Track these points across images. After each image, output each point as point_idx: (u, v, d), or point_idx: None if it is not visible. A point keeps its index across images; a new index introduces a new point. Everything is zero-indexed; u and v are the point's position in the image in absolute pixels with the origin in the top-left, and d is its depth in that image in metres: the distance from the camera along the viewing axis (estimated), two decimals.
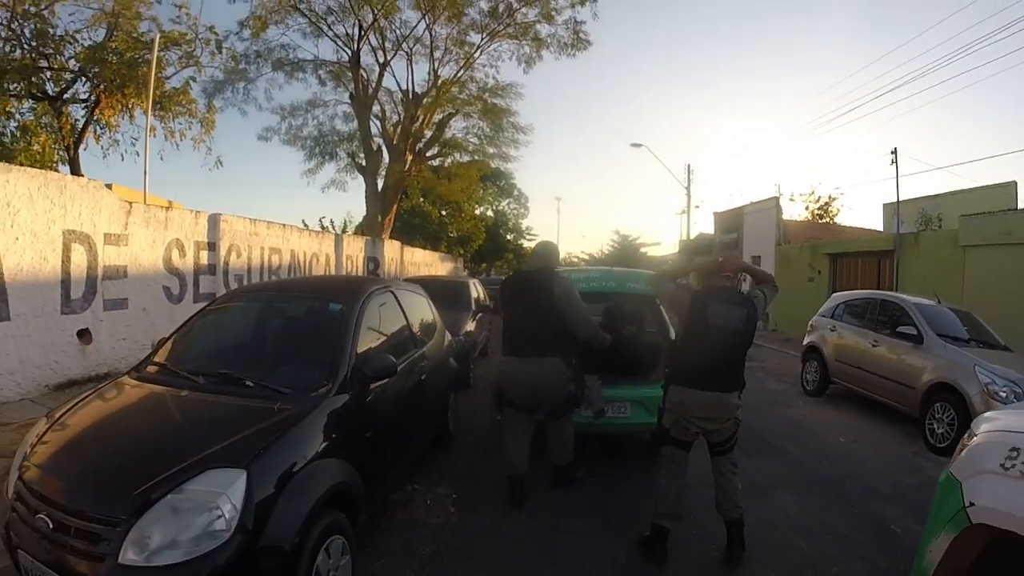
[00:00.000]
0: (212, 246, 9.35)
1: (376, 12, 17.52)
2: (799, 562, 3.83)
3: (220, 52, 15.44)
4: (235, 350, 3.96)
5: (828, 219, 27.90)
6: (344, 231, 28.29)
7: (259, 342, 4.15)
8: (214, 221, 9.39)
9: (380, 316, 4.23)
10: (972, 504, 2.17)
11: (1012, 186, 18.97)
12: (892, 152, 16.55)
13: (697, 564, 3.74)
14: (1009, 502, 2.07)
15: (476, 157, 23.60)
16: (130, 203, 7.65)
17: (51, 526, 2.31)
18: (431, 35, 19.36)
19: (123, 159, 15.03)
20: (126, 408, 3.13)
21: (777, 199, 23.08)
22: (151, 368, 3.58)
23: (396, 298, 4.74)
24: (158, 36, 12.51)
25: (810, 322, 10.45)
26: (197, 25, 14.20)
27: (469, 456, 5.56)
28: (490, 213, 42.96)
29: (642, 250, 46.33)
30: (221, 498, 2.28)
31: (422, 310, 5.41)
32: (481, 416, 6.69)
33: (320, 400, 3.06)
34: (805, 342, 10.25)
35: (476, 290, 11.15)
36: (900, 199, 17.05)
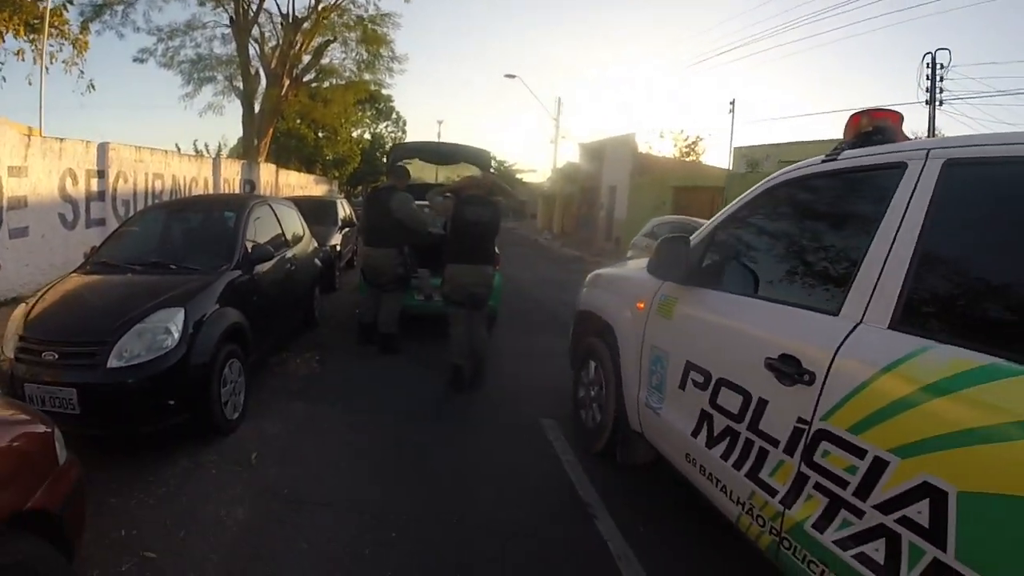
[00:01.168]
0: (101, 174, 10.28)
1: None
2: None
3: None
4: (157, 248, 5.52)
5: (695, 157, 30.53)
6: (219, 155, 28.40)
7: (175, 241, 5.76)
8: (103, 150, 10.32)
9: (261, 222, 5.97)
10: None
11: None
12: (730, 103, 19.08)
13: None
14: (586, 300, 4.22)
15: (354, 80, 24.22)
16: (28, 136, 8.56)
17: (57, 356, 3.80)
18: None
19: None
20: (91, 284, 4.69)
21: (633, 135, 25.44)
22: (93, 267, 5.09)
23: (273, 210, 6.50)
24: None
25: (632, 240, 12.60)
26: None
27: (331, 336, 7.42)
28: (368, 136, 43.38)
29: (518, 176, 48.00)
30: (169, 324, 3.98)
31: (293, 221, 7.12)
32: (344, 312, 8.45)
33: (222, 273, 4.80)
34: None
35: (343, 209, 12.69)
36: (758, 144, 19.63)
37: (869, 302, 2.11)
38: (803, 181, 2.81)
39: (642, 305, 3.55)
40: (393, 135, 45.85)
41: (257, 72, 21.31)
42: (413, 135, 51.05)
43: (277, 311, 5.85)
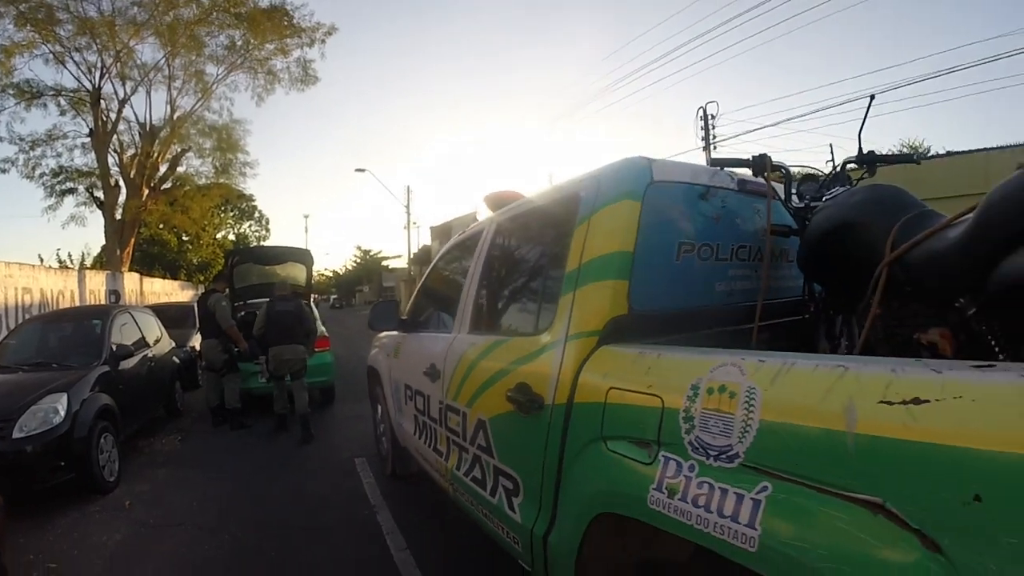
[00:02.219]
0: None
1: (119, 51, 19.12)
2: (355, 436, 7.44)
3: None
4: (39, 351, 6.86)
5: None
6: (83, 264, 28.45)
7: (53, 345, 7.10)
8: None
9: (123, 327, 7.45)
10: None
11: None
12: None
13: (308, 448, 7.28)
14: (370, 358, 5.89)
15: (211, 184, 25.00)
16: None
17: None
18: (170, 67, 21.16)
19: None
20: None
21: (474, 213, 27.59)
22: None
23: (133, 317, 8.04)
24: None
25: None
26: None
27: (192, 423, 8.77)
28: (232, 237, 44.02)
29: (384, 263, 49.51)
30: (56, 404, 5.38)
31: (151, 326, 8.60)
32: (204, 404, 9.65)
33: (93, 367, 6.25)
34: None
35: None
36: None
37: (461, 320, 3.44)
38: (446, 254, 4.56)
39: (391, 353, 5.16)
40: (257, 234, 46.46)
41: (117, 183, 21.87)
42: (278, 231, 51.86)
43: (141, 398, 7.24)
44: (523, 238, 3.30)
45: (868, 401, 1.27)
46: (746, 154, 2.80)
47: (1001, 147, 9.03)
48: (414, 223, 35.96)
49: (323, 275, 53.85)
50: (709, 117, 21.32)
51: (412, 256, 34.98)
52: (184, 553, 4.36)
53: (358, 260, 52.52)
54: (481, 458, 2.92)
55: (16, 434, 5.05)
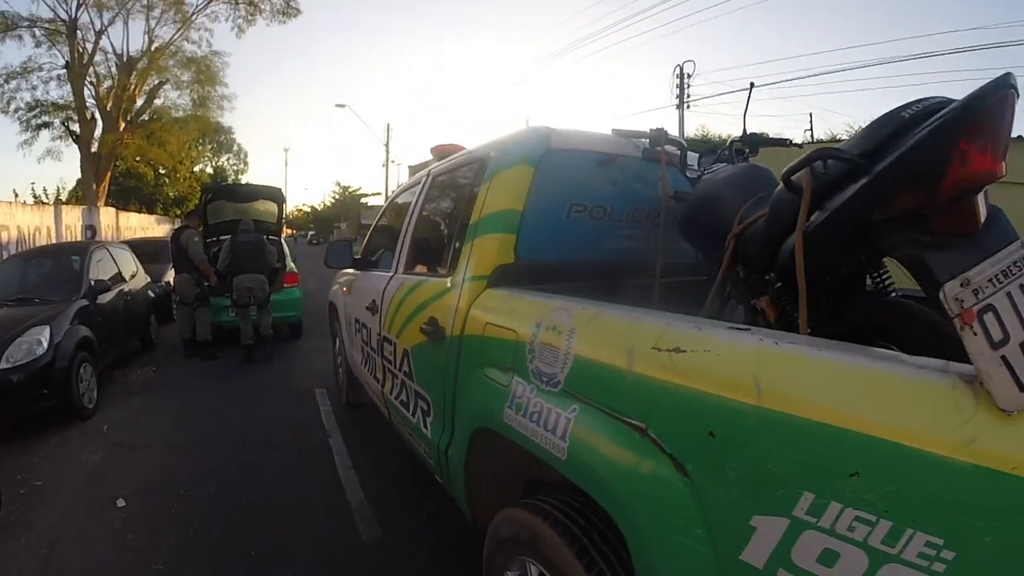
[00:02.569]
0: None
1: None
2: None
3: None
4: (20, 287, 7.24)
5: None
6: (58, 198, 28.40)
7: (33, 281, 7.45)
8: None
9: (101, 263, 7.84)
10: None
11: None
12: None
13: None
14: (330, 295, 6.42)
15: (188, 117, 24.94)
16: None
17: None
18: None
19: None
20: None
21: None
22: None
23: (110, 253, 8.41)
24: None
25: None
26: None
27: (166, 355, 9.23)
28: (209, 170, 43.67)
29: (363, 200, 49.34)
30: (40, 336, 5.81)
31: (127, 262, 8.96)
32: (176, 337, 9.99)
33: (73, 301, 6.66)
34: None
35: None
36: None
37: (399, 261, 3.79)
38: (394, 198, 5.02)
39: (346, 289, 5.60)
40: (235, 167, 46.13)
41: (93, 116, 21.90)
42: (257, 165, 51.41)
43: (117, 330, 7.68)
44: (447, 191, 3.71)
45: (644, 346, 1.61)
46: (647, 125, 3.09)
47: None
48: (393, 161, 36.05)
49: (301, 210, 53.82)
50: (685, 76, 21.40)
51: (390, 194, 35.17)
52: (155, 470, 4.87)
53: (337, 196, 52.53)
54: (406, 383, 3.31)
55: (3, 364, 5.51)
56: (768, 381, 1.33)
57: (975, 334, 1.09)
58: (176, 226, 13.37)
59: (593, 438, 1.77)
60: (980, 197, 1.53)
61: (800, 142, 3.85)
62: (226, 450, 5.23)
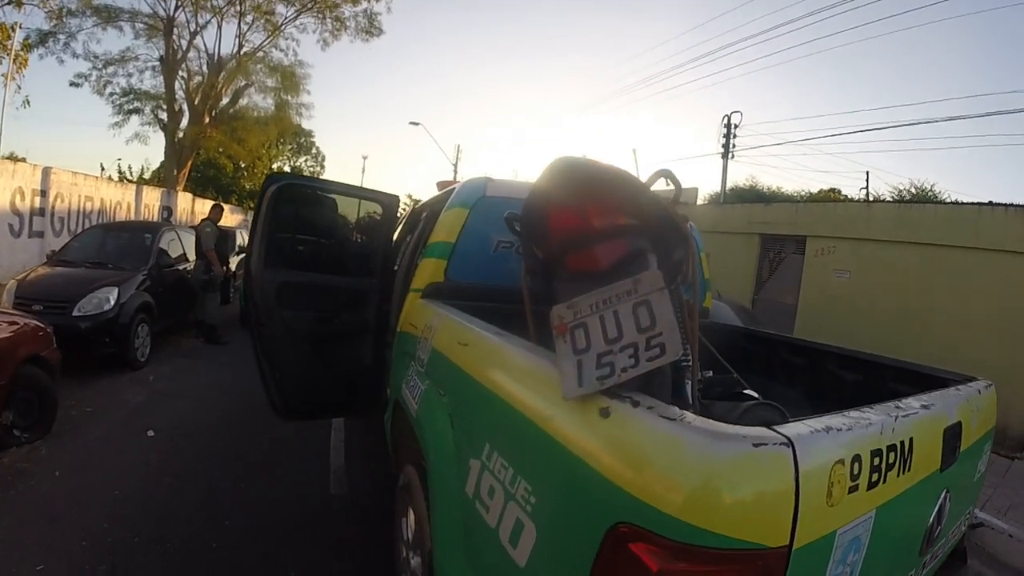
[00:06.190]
0: (44, 193, 12.64)
1: None
2: None
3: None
4: (98, 252, 8.51)
5: None
6: (141, 177, 30.05)
7: (110, 249, 8.70)
8: (47, 173, 12.78)
9: (169, 242, 9.12)
10: None
11: (694, 191, 24.33)
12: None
13: None
14: None
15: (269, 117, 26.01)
16: None
17: (42, 307, 6.77)
18: (243, 3, 22.31)
19: None
20: (58, 271, 7.68)
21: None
22: (56, 262, 8.08)
23: (178, 235, 9.69)
24: None
25: None
26: None
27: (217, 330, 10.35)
28: (287, 169, 45.32)
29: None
30: (109, 295, 7.04)
31: (192, 243, 10.08)
32: (231, 316, 11.35)
33: (140, 271, 7.91)
34: None
35: (241, 237, 15.32)
36: None
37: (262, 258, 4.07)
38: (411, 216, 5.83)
39: None
40: (312, 169, 47.64)
41: (181, 108, 23.41)
42: (334, 169, 52.92)
43: (175, 301, 8.87)
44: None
45: (455, 340, 2.55)
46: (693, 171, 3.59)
47: (993, 204, 9.44)
48: (460, 180, 36.80)
49: (374, 217, 55.26)
50: (732, 127, 21.79)
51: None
52: (184, 415, 5.95)
53: (406, 207, 53.74)
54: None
55: (75, 313, 6.71)
56: (488, 366, 2.19)
57: (565, 342, 1.57)
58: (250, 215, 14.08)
59: (424, 402, 2.68)
60: (605, 246, 1.94)
61: None
62: (245, 410, 6.24)
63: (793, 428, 1.37)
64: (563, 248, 2.01)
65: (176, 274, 9.06)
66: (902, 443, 1.65)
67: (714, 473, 1.23)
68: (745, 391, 2.60)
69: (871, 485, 1.51)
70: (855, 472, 1.45)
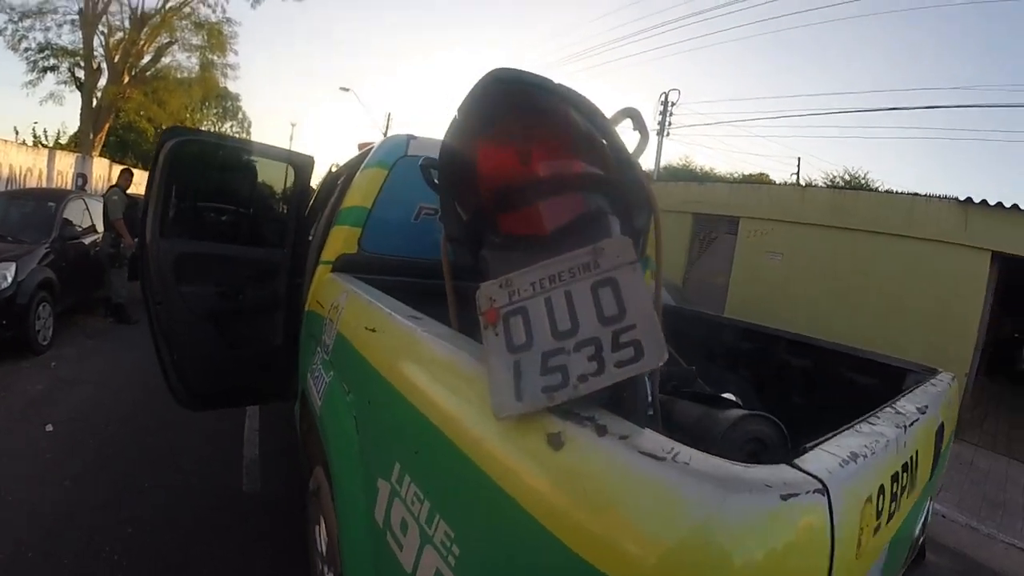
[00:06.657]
0: None
1: None
2: None
3: None
4: None
5: None
6: (57, 142, 28.62)
7: (10, 220, 7.91)
8: None
9: (74, 211, 8.41)
10: None
11: None
12: None
13: None
14: None
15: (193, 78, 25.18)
16: None
17: None
18: None
19: None
20: None
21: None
22: None
23: (86, 204, 8.95)
24: None
25: None
26: None
27: (128, 306, 9.72)
28: None
29: None
30: (5, 272, 6.39)
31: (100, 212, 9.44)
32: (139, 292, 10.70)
33: (42, 244, 7.25)
34: None
35: None
36: None
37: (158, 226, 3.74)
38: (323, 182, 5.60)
39: None
40: (237, 135, 46.27)
41: (99, 66, 22.14)
42: (260, 135, 51.36)
43: (80, 277, 8.20)
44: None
45: (362, 324, 2.12)
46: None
47: (928, 196, 9.85)
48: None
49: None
50: (670, 104, 21.72)
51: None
52: (87, 405, 5.48)
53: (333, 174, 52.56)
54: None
55: None
56: (398, 359, 1.77)
57: (496, 335, 1.11)
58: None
59: (328, 395, 2.30)
60: (554, 202, 1.45)
61: None
62: (153, 397, 5.71)
63: (819, 461, 0.99)
64: (495, 204, 1.51)
65: (82, 247, 8.38)
66: (911, 459, 1.36)
67: (733, 545, 0.82)
68: (724, 395, 1.99)
69: (889, 518, 1.20)
70: (880, 509, 1.13)
